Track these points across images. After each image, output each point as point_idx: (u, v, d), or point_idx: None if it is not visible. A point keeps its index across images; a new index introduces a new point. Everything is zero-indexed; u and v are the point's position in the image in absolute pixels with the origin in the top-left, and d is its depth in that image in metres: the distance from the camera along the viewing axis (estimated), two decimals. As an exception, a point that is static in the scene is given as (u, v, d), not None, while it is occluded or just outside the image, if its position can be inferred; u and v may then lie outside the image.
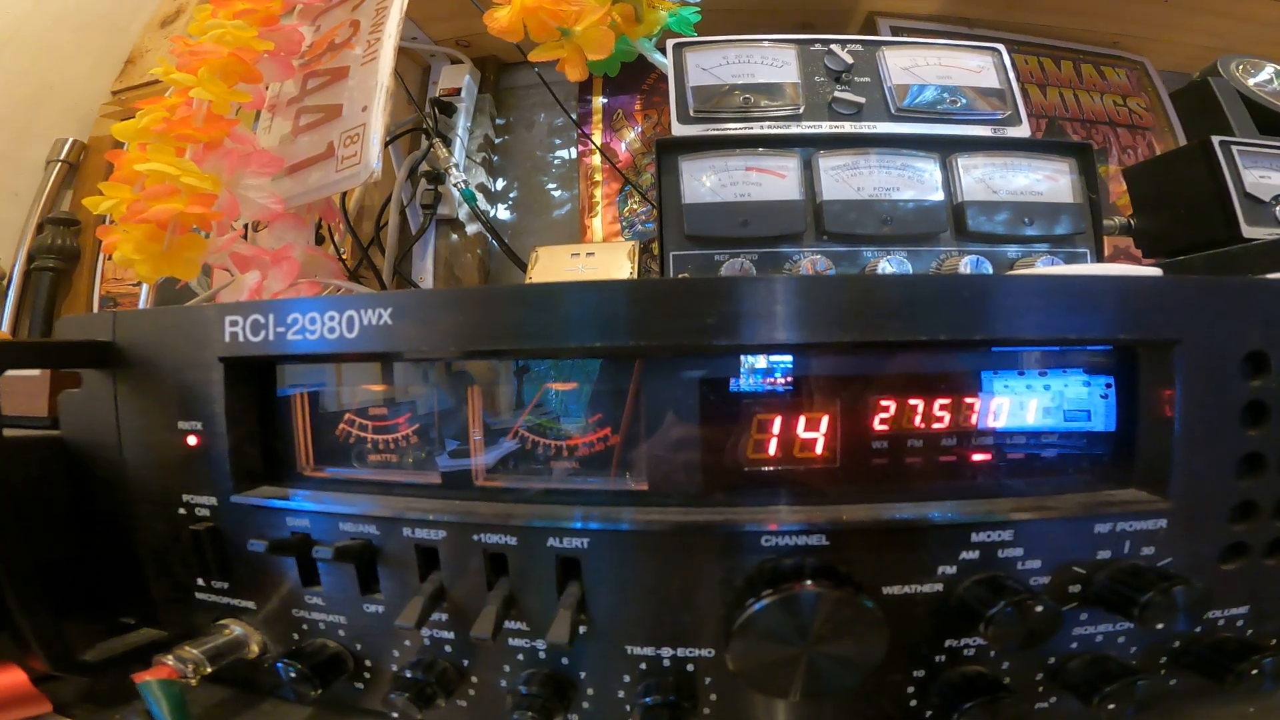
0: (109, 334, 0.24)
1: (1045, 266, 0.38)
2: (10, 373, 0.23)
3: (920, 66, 0.45)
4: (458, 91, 0.74)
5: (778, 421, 0.20)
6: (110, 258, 0.44)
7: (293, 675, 0.22)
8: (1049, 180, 0.41)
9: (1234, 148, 0.45)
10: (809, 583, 0.16)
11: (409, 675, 0.21)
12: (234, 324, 0.22)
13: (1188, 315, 0.19)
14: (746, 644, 0.17)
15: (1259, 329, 0.19)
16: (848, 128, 0.42)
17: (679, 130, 0.42)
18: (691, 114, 0.43)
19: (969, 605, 0.18)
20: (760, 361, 0.20)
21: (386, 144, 0.70)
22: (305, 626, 0.23)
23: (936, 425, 0.20)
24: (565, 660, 0.21)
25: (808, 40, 0.46)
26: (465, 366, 0.22)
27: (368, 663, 0.23)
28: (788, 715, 0.21)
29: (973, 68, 0.45)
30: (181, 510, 0.23)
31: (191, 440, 0.23)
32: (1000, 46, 0.47)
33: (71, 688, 0.26)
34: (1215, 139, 0.44)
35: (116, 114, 0.86)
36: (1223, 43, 0.75)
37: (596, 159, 0.75)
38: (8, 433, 0.25)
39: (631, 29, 0.46)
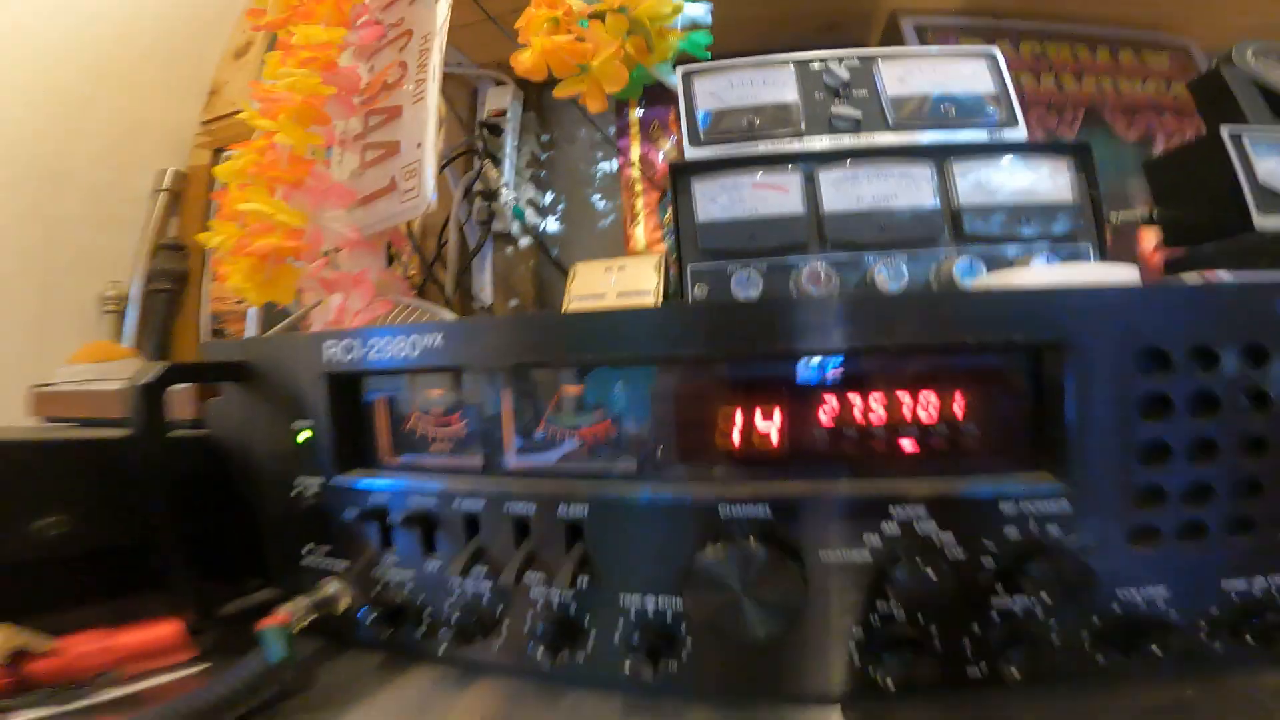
0: (241, 356, 0.34)
1: (1039, 264, 0.41)
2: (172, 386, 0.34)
3: (915, 76, 0.49)
4: (503, 112, 0.84)
5: (738, 415, 0.27)
6: (216, 281, 0.57)
7: (371, 619, 0.31)
8: (1047, 180, 0.45)
9: (1245, 138, 0.46)
10: (743, 540, 0.23)
11: (455, 618, 0.29)
12: (330, 348, 0.32)
13: (1079, 319, 0.23)
14: (693, 589, 0.24)
15: (1156, 329, 0.24)
16: (846, 141, 0.47)
17: (690, 153, 0.49)
18: (701, 137, 0.50)
19: (883, 571, 0.24)
20: (723, 369, 0.27)
21: (442, 168, 0.82)
22: (381, 583, 0.32)
23: (870, 418, 0.26)
24: (573, 608, 0.28)
25: (806, 59, 0.51)
26: (499, 376, 0.31)
27: (427, 611, 0.31)
28: (748, 660, 0.27)
29: (966, 73, 0.49)
30: (295, 490, 0.33)
31: (303, 435, 0.32)
32: (994, 49, 0.50)
33: (209, 639, 0.36)
34: (1225, 129, 0.46)
35: (207, 144, 1.03)
36: (1269, 21, 0.72)
37: (636, 170, 0.83)
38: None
39: (645, 58, 0.53)
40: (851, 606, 0.25)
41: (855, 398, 0.26)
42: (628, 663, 0.27)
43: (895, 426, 0.26)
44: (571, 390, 0.29)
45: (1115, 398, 0.24)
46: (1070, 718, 0.25)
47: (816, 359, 0.26)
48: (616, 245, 0.84)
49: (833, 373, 0.26)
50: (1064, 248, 0.44)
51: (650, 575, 0.27)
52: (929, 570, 0.23)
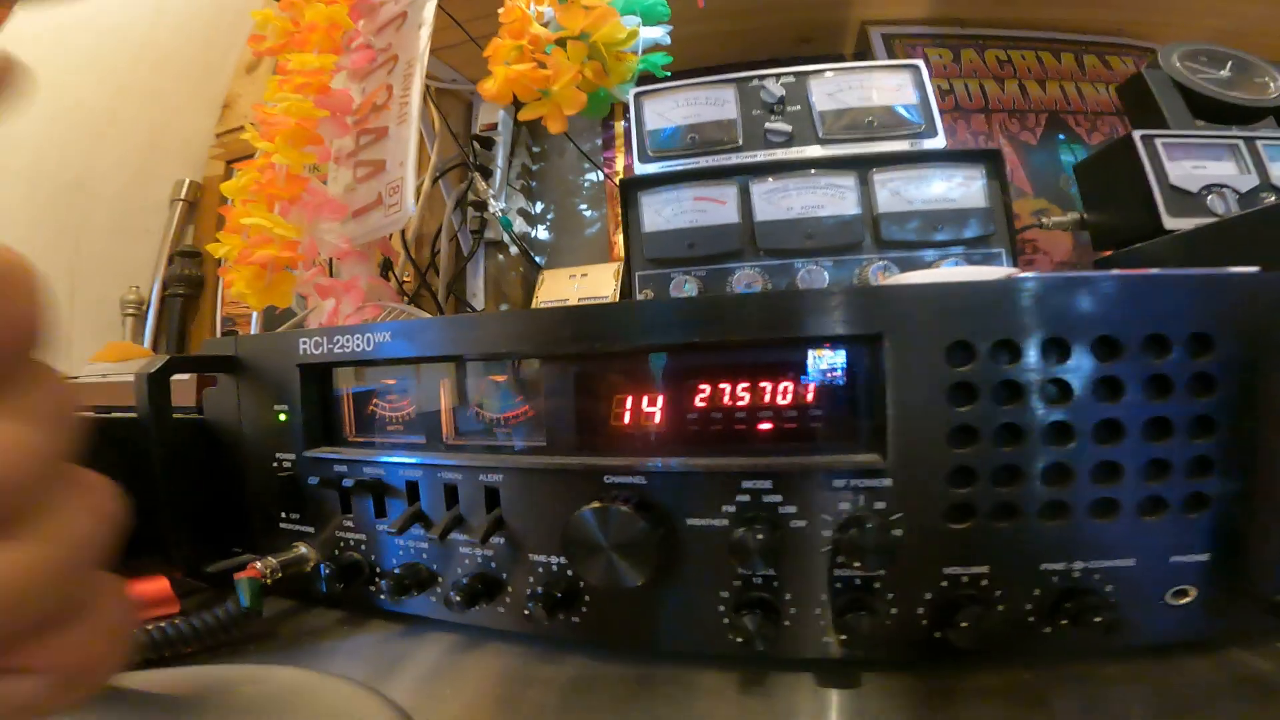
0: (234, 351, 0.41)
1: (948, 268, 0.46)
2: (174, 376, 0.41)
3: (844, 91, 0.55)
4: (495, 126, 0.90)
5: (627, 398, 0.32)
6: (228, 288, 0.65)
7: (327, 573, 0.37)
8: (961, 187, 0.50)
9: (1158, 141, 0.50)
10: (608, 505, 0.29)
11: (397, 573, 0.35)
12: (304, 343, 0.38)
13: (895, 314, 0.28)
14: (570, 543, 0.29)
15: (962, 323, 0.28)
16: (779, 155, 0.53)
17: (640, 169, 0.55)
18: (649, 154, 0.55)
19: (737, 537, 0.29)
20: (618, 362, 0.33)
21: (435, 180, 0.89)
22: (341, 544, 0.39)
23: (731, 403, 0.31)
24: (493, 564, 0.34)
25: (745, 78, 0.57)
26: (438, 366, 0.37)
27: (377, 570, 0.38)
28: (632, 611, 0.32)
29: (891, 86, 0.54)
30: (274, 464, 0.40)
31: (282, 417, 0.39)
32: (919, 63, 0.55)
33: (193, 601, 0.42)
34: (1137, 133, 0.50)
35: (221, 155, 1.11)
36: (1235, 24, 0.75)
37: (620, 179, 0.89)
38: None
39: (604, 81, 0.59)
40: (715, 569, 0.31)
41: (724, 385, 0.32)
42: (527, 612, 0.32)
43: (753, 410, 0.31)
44: (498, 378, 0.35)
45: (927, 385, 0.28)
46: (911, 695, 0.28)
47: (682, 353, 0.31)
48: (603, 252, 0.90)
49: (700, 364, 0.32)
50: (977, 251, 0.49)
51: (551, 535, 0.33)
52: (773, 538, 0.28)
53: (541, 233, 0.95)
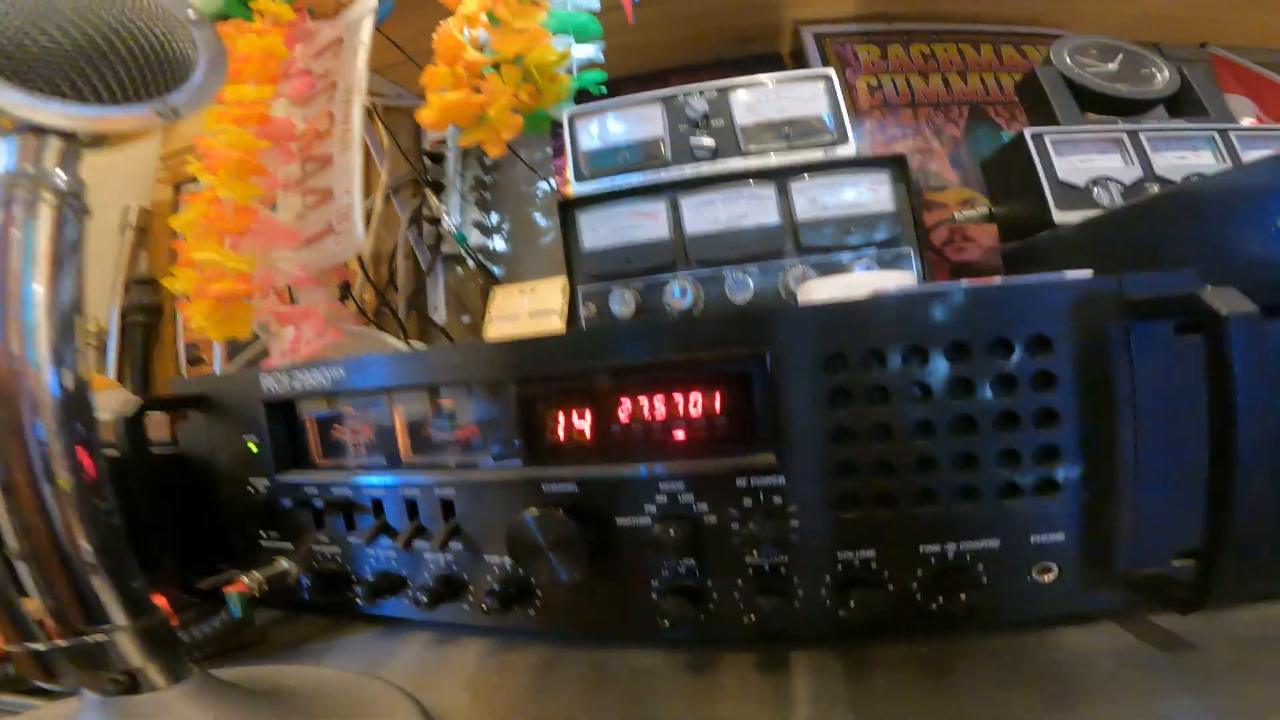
0: (201, 390, 0.46)
1: (860, 270, 0.52)
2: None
3: (762, 104, 0.60)
4: (444, 141, 0.94)
5: (561, 417, 0.38)
6: (187, 321, 0.68)
7: (309, 584, 0.42)
8: (870, 191, 0.55)
9: (1047, 138, 0.56)
10: (544, 510, 0.34)
11: (371, 580, 0.41)
12: (267, 381, 0.43)
13: (778, 334, 0.34)
14: (514, 544, 0.35)
15: (836, 337, 0.34)
16: (705, 169, 0.58)
17: (576, 189, 0.60)
18: (584, 174, 0.60)
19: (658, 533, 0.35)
20: (549, 385, 0.38)
21: (387, 198, 0.93)
22: (318, 556, 0.44)
23: (649, 417, 0.37)
24: (454, 566, 0.39)
25: (671, 94, 0.62)
26: (392, 395, 0.42)
27: (353, 577, 0.43)
28: (579, 602, 0.38)
29: (805, 96, 0.59)
30: (249, 488, 0.44)
31: (252, 447, 0.44)
32: (830, 72, 0.61)
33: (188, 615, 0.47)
34: (1028, 131, 0.56)
35: (167, 179, 1.13)
36: (1145, 9, 0.82)
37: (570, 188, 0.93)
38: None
39: (539, 101, 0.63)
40: (645, 562, 0.36)
41: (643, 399, 0.37)
42: (483, 606, 0.38)
43: (668, 422, 0.37)
44: (446, 403, 0.41)
45: (810, 393, 0.34)
46: (830, 669, 0.32)
47: (604, 376, 0.37)
48: (558, 259, 0.94)
49: (620, 384, 0.37)
50: (889, 252, 0.55)
51: (501, 539, 0.38)
52: (688, 533, 0.34)
53: (498, 243, 1.00)
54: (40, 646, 0.23)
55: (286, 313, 0.67)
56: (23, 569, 0.23)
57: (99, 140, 0.29)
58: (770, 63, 0.98)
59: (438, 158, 0.94)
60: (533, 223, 0.98)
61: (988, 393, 0.34)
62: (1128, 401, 0.33)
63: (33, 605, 0.23)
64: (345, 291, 0.85)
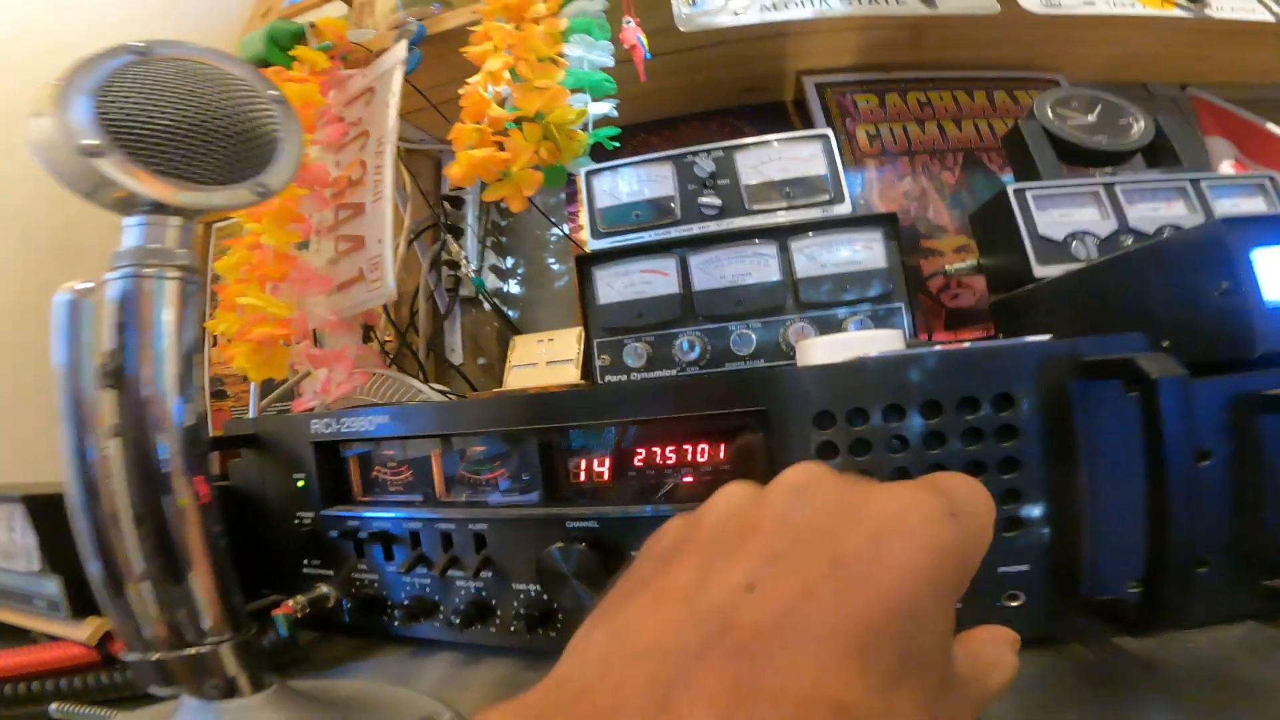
0: (253, 430, 0.52)
1: (854, 327, 0.58)
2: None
3: (765, 164, 0.66)
4: (463, 186, 1.01)
5: (583, 462, 0.44)
6: (215, 349, 0.74)
7: (350, 607, 0.48)
8: (865, 249, 0.61)
9: (1028, 194, 0.61)
10: (569, 544, 0.40)
11: (407, 604, 0.46)
12: (316, 424, 0.49)
13: (775, 393, 0.40)
14: (542, 574, 0.40)
15: (824, 396, 0.40)
16: (712, 227, 0.64)
17: (592, 245, 0.66)
18: (600, 231, 0.67)
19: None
20: (571, 435, 0.44)
21: (410, 241, 1.00)
22: (356, 583, 0.49)
23: (661, 463, 0.43)
24: (483, 592, 0.45)
25: (680, 154, 0.68)
26: (430, 440, 0.48)
27: (387, 602, 0.48)
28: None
29: (804, 156, 0.66)
30: (295, 521, 0.50)
31: (300, 483, 0.50)
32: (828, 132, 0.67)
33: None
34: (1010, 188, 0.61)
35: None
36: (1130, 51, 0.88)
37: (585, 234, 1.00)
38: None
39: (558, 158, 0.70)
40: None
41: (656, 448, 0.43)
42: (512, 628, 0.43)
43: (678, 467, 0.43)
44: (479, 449, 0.47)
45: (801, 444, 0.40)
46: None
47: (621, 427, 0.43)
48: (571, 304, 1.01)
49: (636, 433, 0.43)
50: (881, 307, 0.60)
51: (528, 568, 0.44)
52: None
53: (513, 287, 1.06)
54: (163, 657, 0.28)
55: (319, 355, 0.73)
56: (146, 589, 0.29)
57: (198, 215, 0.34)
58: (774, 111, 1.05)
59: (457, 201, 1.01)
60: (546, 267, 1.05)
61: (957, 443, 0.39)
62: (1084, 448, 0.38)
63: (153, 620, 0.29)
64: (368, 334, 0.91)
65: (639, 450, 0.43)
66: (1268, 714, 0.32)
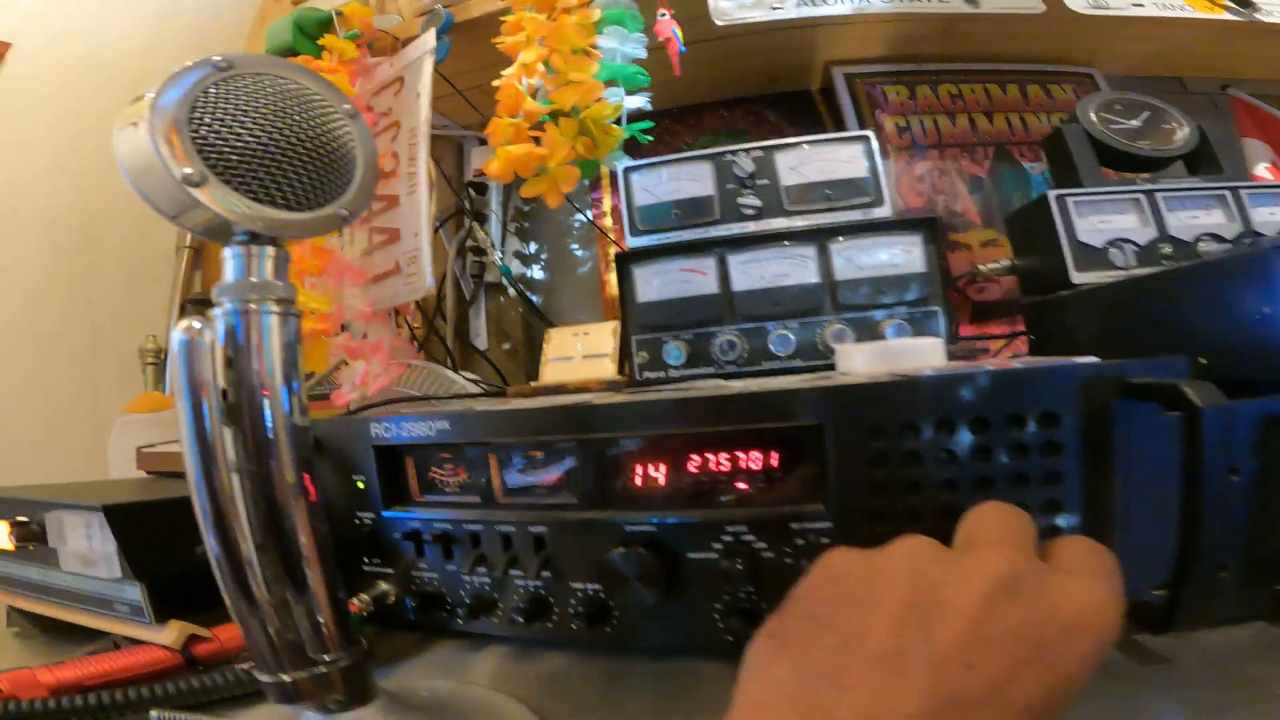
0: (315, 432, 0.54)
1: (891, 330, 0.60)
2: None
3: (805, 165, 0.67)
4: (488, 172, 1.02)
5: (639, 467, 0.46)
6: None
7: (413, 605, 0.51)
8: (904, 253, 0.63)
9: (1069, 200, 0.63)
10: (633, 546, 0.43)
11: (469, 602, 0.49)
12: (375, 427, 0.51)
13: (831, 408, 0.42)
14: (604, 576, 0.43)
15: (878, 411, 0.42)
16: (751, 228, 0.66)
17: (631, 243, 0.68)
18: (639, 228, 0.68)
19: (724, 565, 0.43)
20: (629, 442, 0.46)
21: (436, 229, 1.01)
22: (416, 581, 0.52)
23: (718, 468, 0.45)
24: (542, 590, 0.48)
25: (719, 153, 0.69)
26: (488, 443, 0.50)
27: (447, 599, 0.51)
28: (655, 626, 0.46)
29: (845, 158, 0.67)
30: (356, 520, 0.53)
31: (360, 484, 0.52)
32: (869, 134, 0.68)
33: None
34: (1051, 194, 0.63)
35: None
36: (1163, 48, 0.88)
37: (609, 220, 1.01)
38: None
39: (594, 153, 0.71)
40: (710, 589, 0.45)
41: (710, 455, 0.45)
42: (573, 625, 0.46)
43: (732, 474, 0.45)
44: (535, 453, 0.49)
45: (855, 456, 0.42)
46: None
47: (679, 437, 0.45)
48: (594, 290, 1.03)
49: (692, 442, 0.45)
50: (918, 310, 0.62)
51: (587, 568, 0.46)
52: (750, 566, 0.42)
53: (536, 272, 1.08)
54: (292, 678, 0.31)
55: (357, 347, 0.75)
56: (272, 614, 0.31)
57: (289, 240, 0.35)
58: (799, 100, 1.05)
59: (481, 188, 1.02)
60: (569, 253, 1.06)
61: (1004, 458, 0.42)
62: (1122, 464, 0.40)
63: (283, 643, 0.31)
64: (396, 321, 0.93)
65: (693, 458, 0.46)
66: (1276, 710, 0.36)
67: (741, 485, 0.45)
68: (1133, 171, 0.73)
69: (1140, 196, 0.67)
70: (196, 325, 0.30)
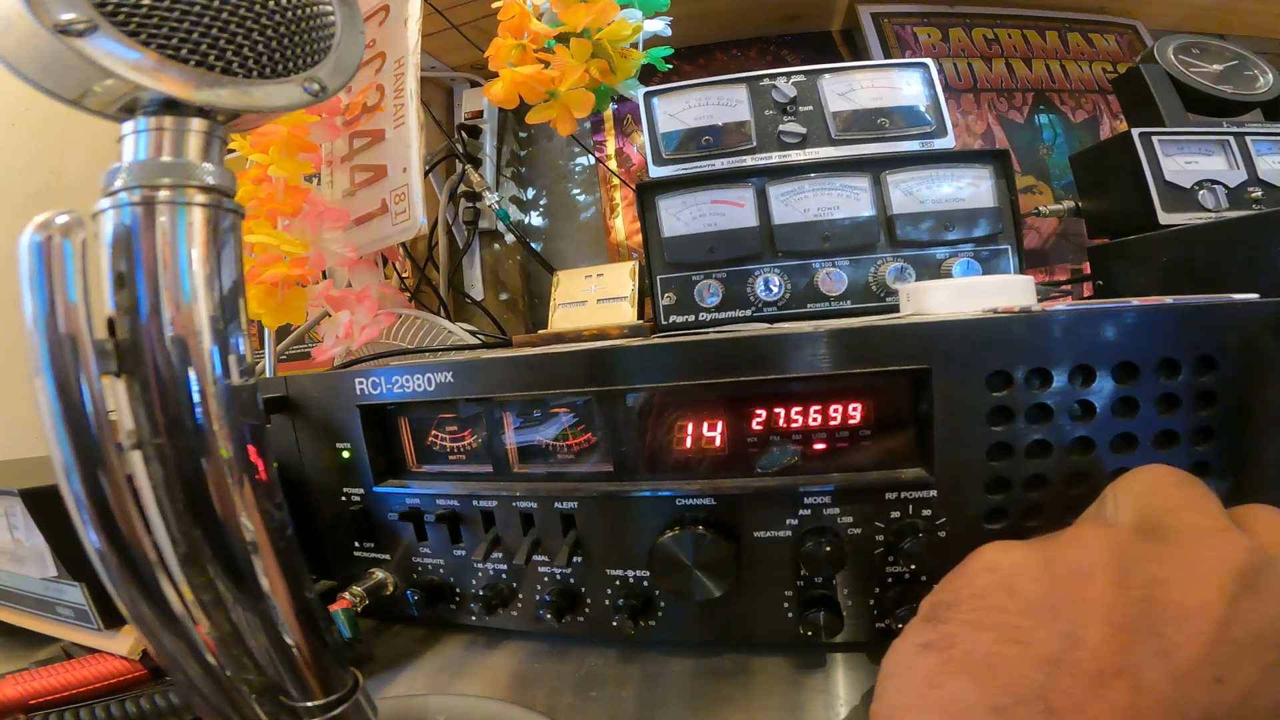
0: (283, 390, 0.42)
1: (959, 267, 0.49)
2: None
3: (855, 91, 0.56)
4: (480, 114, 0.89)
5: (689, 425, 0.35)
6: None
7: (416, 598, 0.40)
8: (971, 186, 0.52)
9: (1155, 139, 0.53)
10: (691, 526, 0.32)
11: (480, 594, 0.39)
12: (361, 383, 0.40)
13: (938, 350, 0.32)
14: (657, 565, 0.33)
15: (1000, 355, 0.32)
16: (794, 156, 0.54)
17: (655, 172, 0.56)
18: (664, 157, 0.56)
19: (800, 546, 0.33)
20: (675, 391, 0.35)
21: (426, 173, 0.87)
22: (419, 569, 0.41)
23: (789, 425, 0.35)
24: (572, 579, 0.37)
25: (756, 76, 0.58)
26: (498, 398, 0.39)
27: (456, 590, 0.41)
28: (708, 617, 0.36)
29: (898, 85, 0.56)
30: (343, 498, 0.42)
31: (345, 454, 0.41)
32: (928, 61, 0.57)
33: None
34: (1135, 131, 0.53)
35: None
36: (1210, 5, 0.78)
37: (613, 164, 0.89)
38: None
39: (610, 79, 0.59)
40: (780, 574, 0.34)
41: (779, 410, 0.35)
42: (614, 621, 0.36)
43: (809, 433, 0.35)
44: (561, 409, 0.38)
45: (969, 410, 0.32)
46: None
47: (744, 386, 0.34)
48: (598, 237, 0.91)
49: (759, 392, 0.35)
50: (985, 248, 0.52)
51: (627, 552, 0.36)
52: (838, 548, 0.32)
53: (535, 219, 0.95)
54: None
55: (340, 296, 0.63)
56: (207, 648, 0.20)
57: (230, 119, 0.23)
58: (818, 40, 0.93)
59: (474, 131, 0.89)
60: (570, 198, 0.94)
61: (1151, 411, 0.32)
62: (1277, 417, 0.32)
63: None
64: (384, 272, 0.81)
65: (759, 413, 0.35)
66: None
67: (820, 446, 0.35)
68: (1213, 115, 0.64)
69: (1229, 139, 0.59)
70: (61, 220, 0.18)
